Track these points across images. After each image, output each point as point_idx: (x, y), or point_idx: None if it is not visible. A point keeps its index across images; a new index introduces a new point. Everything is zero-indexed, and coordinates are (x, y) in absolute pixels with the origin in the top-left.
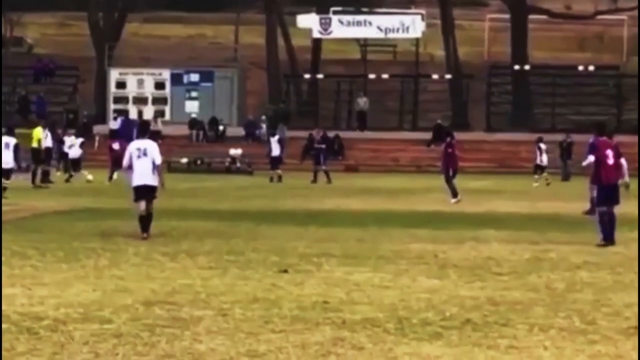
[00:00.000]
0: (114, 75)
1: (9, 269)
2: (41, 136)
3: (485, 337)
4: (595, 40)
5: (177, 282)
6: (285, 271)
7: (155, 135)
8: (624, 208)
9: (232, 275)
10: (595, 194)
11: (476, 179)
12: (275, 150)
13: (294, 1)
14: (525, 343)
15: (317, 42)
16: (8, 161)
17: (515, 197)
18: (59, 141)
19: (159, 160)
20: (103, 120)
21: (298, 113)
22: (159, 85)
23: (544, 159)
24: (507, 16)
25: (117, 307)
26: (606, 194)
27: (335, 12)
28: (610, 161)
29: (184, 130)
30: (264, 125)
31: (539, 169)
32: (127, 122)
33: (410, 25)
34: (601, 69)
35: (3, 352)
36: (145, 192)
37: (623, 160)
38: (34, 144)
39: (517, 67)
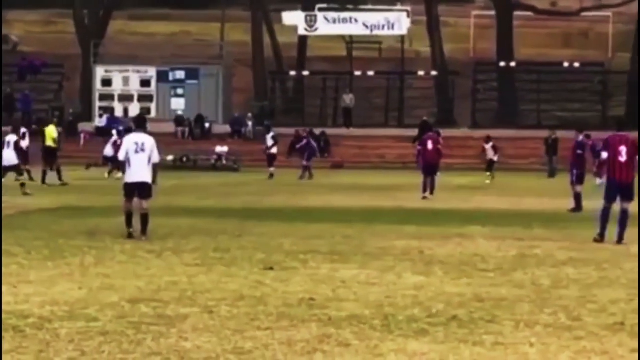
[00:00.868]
0: (100, 72)
1: None
2: (55, 135)
3: (471, 333)
4: (580, 37)
5: (163, 280)
6: (271, 268)
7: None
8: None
9: (218, 273)
10: (579, 190)
11: (462, 176)
12: (273, 148)
13: None
14: (511, 339)
15: (302, 39)
16: (9, 158)
17: (501, 193)
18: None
19: (157, 158)
20: (89, 117)
21: (284, 110)
22: (145, 83)
23: (493, 155)
24: (492, 13)
25: (103, 305)
26: (614, 190)
27: (320, 10)
28: (622, 158)
29: (169, 127)
30: (249, 123)
31: (492, 164)
32: (112, 120)
33: (395, 22)
34: (586, 66)
35: None
36: (138, 189)
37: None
38: (49, 143)
39: (502, 63)
